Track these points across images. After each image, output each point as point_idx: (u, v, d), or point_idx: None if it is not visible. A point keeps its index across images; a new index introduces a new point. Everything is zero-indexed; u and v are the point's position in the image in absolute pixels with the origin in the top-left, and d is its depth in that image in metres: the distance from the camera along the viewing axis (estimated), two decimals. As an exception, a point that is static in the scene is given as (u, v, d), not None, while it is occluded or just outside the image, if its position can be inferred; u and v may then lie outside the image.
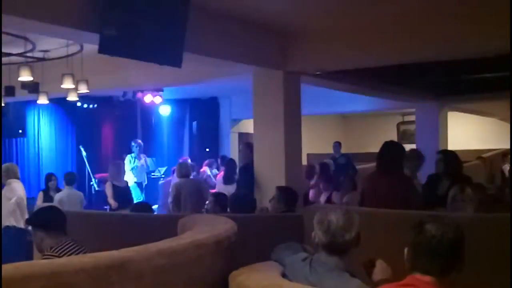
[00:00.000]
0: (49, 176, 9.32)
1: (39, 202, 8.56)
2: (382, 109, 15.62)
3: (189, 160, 11.72)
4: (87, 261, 2.52)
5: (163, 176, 13.11)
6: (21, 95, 9.54)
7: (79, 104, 12.71)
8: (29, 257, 5.67)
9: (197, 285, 3.06)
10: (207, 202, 8.27)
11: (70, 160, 14.01)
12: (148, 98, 12.64)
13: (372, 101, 13.39)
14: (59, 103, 12.64)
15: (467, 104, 14.73)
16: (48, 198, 8.82)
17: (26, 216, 7.30)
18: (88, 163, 12.77)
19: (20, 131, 12.79)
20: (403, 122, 19.18)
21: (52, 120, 13.80)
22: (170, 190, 8.95)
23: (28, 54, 8.71)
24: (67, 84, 8.85)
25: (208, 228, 3.45)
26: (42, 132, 13.59)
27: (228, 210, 6.35)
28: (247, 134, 14.23)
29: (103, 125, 14.62)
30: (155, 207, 9.33)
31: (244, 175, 8.53)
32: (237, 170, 9.36)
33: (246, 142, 9.70)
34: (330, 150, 13.31)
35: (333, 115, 18.82)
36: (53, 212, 4.16)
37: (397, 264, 2.69)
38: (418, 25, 7.03)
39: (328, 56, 7.85)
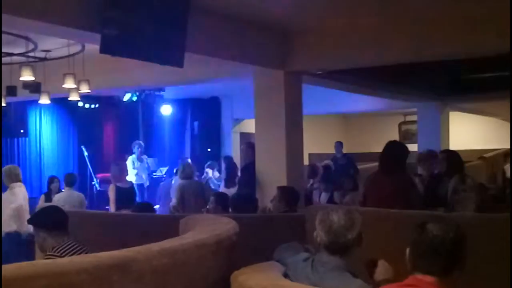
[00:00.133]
0: (52, 179, 9.29)
1: (41, 204, 8.54)
2: (384, 109, 15.62)
3: (189, 160, 11.71)
4: (89, 261, 2.53)
5: (164, 176, 13.10)
6: (23, 95, 9.54)
7: (80, 104, 12.70)
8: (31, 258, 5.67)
9: (199, 285, 3.06)
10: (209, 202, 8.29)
11: (71, 160, 14.02)
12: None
13: (374, 101, 13.39)
14: (61, 103, 12.63)
15: (469, 104, 14.73)
16: (49, 200, 8.81)
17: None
18: (89, 163, 12.77)
19: (22, 131, 12.79)
20: (405, 122, 19.17)
21: (53, 120, 13.80)
22: (172, 191, 8.94)
23: (30, 54, 8.71)
24: (69, 84, 8.85)
25: (210, 228, 3.46)
26: (44, 132, 13.59)
27: (230, 210, 6.35)
28: (249, 134, 14.21)
29: (105, 125, 14.63)
30: (157, 207, 9.31)
31: (245, 175, 8.53)
32: (238, 172, 9.34)
33: (247, 142, 9.69)
34: (331, 149, 13.30)
35: (334, 115, 18.80)
36: (55, 212, 4.16)
37: (399, 264, 2.69)
38: (419, 24, 7.03)
39: (330, 56, 7.85)
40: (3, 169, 7.83)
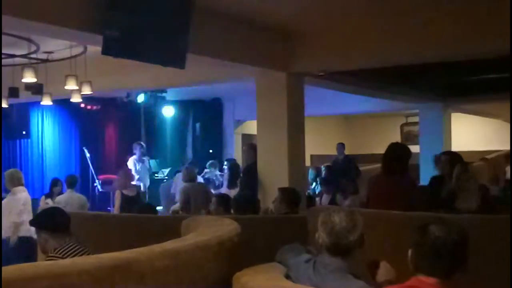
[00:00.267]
0: (55, 182, 9.25)
1: (42, 206, 8.54)
2: (386, 110, 15.61)
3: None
4: (91, 262, 2.53)
5: (166, 177, 13.11)
6: (25, 97, 9.55)
7: (82, 105, 12.73)
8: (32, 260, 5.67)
9: (201, 286, 3.07)
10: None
11: (73, 161, 14.03)
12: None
13: (376, 102, 13.37)
14: (63, 104, 12.65)
15: (471, 105, 14.71)
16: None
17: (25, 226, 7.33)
18: (91, 164, 12.78)
19: (24, 132, 12.79)
20: (407, 123, 19.16)
21: (55, 122, 13.81)
22: (177, 194, 8.95)
23: (32, 56, 8.72)
24: (71, 85, 8.86)
25: (212, 229, 3.46)
26: (46, 134, 13.61)
27: (232, 211, 6.35)
28: (251, 135, 14.22)
29: (107, 126, 14.64)
30: (159, 208, 9.31)
31: (247, 176, 8.53)
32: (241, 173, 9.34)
33: (249, 143, 9.70)
34: (333, 151, 13.31)
35: (336, 116, 18.80)
36: (57, 214, 4.16)
37: (401, 265, 2.68)
38: (421, 26, 7.03)
39: (332, 57, 7.85)
40: (5, 173, 7.81)
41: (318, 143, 16.27)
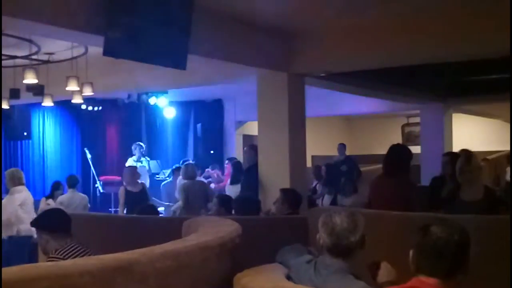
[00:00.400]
0: (57, 185, 9.24)
1: (42, 207, 8.55)
2: (387, 111, 15.59)
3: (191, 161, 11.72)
4: (92, 263, 2.53)
5: (167, 178, 13.11)
6: (26, 98, 9.56)
7: (84, 106, 12.74)
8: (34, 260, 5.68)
9: (202, 287, 3.07)
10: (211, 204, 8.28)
11: (75, 162, 14.04)
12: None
13: (377, 103, 13.37)
14: (64, 105, 12.68)
15: (472, 105, 14.70)
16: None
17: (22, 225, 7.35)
18: (92, 165, 12.79)
19: (25, 133, 12.78)
20: (408, 124, 19.15)
21: (57, 123, 13.83)
22: (177, 192, 8.94)
23: (33, 57, 8.73)
24: (72, 86, 8.87)
25: (213, 230, 3.46)
26: (47, 135, 13.62)
27: (233, 212, 6.35)
28: (252, 136, 14.22)
29: (108, 128, 14.65)
30: (161, 209, 9.30)
31: (248, 177, 8.53)
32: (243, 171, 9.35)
33: (250, 144, 9.70)
34: (334, 152, 13.30)
35: (337, 117, 18.80)
36: (58, 215, 4.17)
37: (402, 266, 2.68)
38: (422, 26, 7.03)
39: (333, 58, 7.85)
40: (6, 172, 7.84)
41: (319, 144, 16.27)
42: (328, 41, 7.78)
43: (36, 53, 8.54)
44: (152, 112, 14.25)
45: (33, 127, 13.22)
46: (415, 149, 9.58)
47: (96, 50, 6.78)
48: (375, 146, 17.37)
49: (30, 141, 13.20)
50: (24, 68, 8.61)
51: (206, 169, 11.99)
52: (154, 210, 6.86)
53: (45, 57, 9.04)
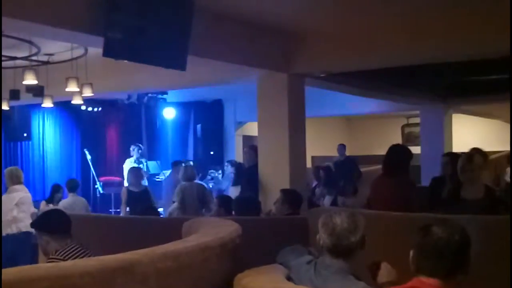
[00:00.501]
0: (57, 188, 9.18)
1: (43, 209, 8.53)
2: (387, 111, 15.61)
3: (191, 163, 11.73)
4: (92, 264, 2.53)
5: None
6: (26, 99, 9.56)
7: (83, 107, 12.75)
8: (34, 261, 5.68)
9: (203, 287, 3.07)
10: (212, 205, 8.27)
11: (74, 163, 14.04)
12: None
13: (377, 103, 13.38)
14: (64, 106, 12.68)
15: (472, 106, 14.70)
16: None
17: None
18: (92, 166, 12.79)
19: (25, 134, 12.80)
20: (408, 125, 19.15)
21: (56, 124, 13.82)
22: (175, 192, 8.94)
23: (33, 58, 8.73)
24: (72, 87, 8.87)
25: (213, 231, 3.46)
26: (47, 136, 13.62)
27: (233, 212, 6.35)
28: (252, 136, 14.22)
29: (108, 128, 14.65)
30: (161, 209, 9.30)
31: (248, 177, 8.53)
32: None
33: (250, 145, 9.71)
34: (334, 152, 13.30)
35: (337, 117, 18.81)
36: (58, 216, 4.16)
37: (402, 266, 2.68)
38: (422, 26, 7.03)
39: (333, 58, 7.85)
40: (6, 170, 7.87)
41: (319, 144, 16.27)
42: (328, 41, 7.77)
43: (36, 54, 8.54)
44: (152, 113, 14.24)
45: (33, 128, 13.22)
46: (415, 150, 9.57)
47: (96, 51, 6.77)
48: (375, 146, 17.36)
49: (30, 142, 13.20)
50: (24, 69, 8.61)
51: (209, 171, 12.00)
52: (155, 212, 6.86)
53: (45, 58, 9.04)
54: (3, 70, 8.29)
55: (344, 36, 7.62)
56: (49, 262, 3.70)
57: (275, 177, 7.93)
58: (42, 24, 5.25)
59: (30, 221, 7.32)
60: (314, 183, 10.92)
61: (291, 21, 7.41)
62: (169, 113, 14.29)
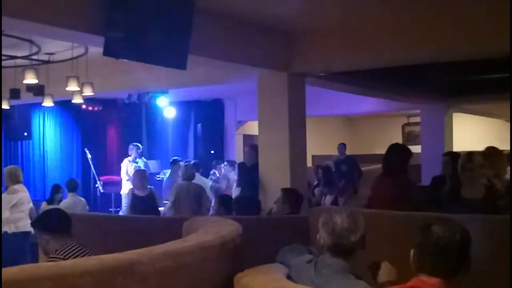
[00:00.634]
0: (57, 188, 9.18)
1: (43, 209, 8.53)
2: (387, 110, 15.61)
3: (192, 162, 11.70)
4: (93, 263, 2.53)
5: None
6: (26, 98, 9.56)
7: (84, 106, 12.73)
8: (34, 260, 5.68)
9: (203, 287, 3.06)
10: (212, 205, 8.28)
11: (75, 162, 14.04)
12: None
13: (377, 103, 13.38)
14: (64, 105, 12.67)
15: (472, 105, 14.70)
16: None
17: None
18: (93, 165, 12.78)
19: (25, 133, 12.80)
20: (408, 124, 19.15)
21: (57, 123, 13.82)
22: (169, 192, 8.93)
23: (33, 57, 8.73)
24: (72, 86, 8.87)
25: (213, 230, 3.46)
26: (47, 135, 13.62)
27: (233, 212, 6.35)
28: (252, 136, 14.22)
29: (108, 128, 14.64)
30: (161, 209, 9.28)
31: (249, 177, 8.52)
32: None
33: (251, 144, 9.70)
34: (335, 151, 13.29)
35: (338, 117, 18.81)
36: (58, 215, 4.16)
37: (403, 266, 2.68)
38: (422, 26, 7.03)
39: (333, 58, 7.85)
40: (5, 169, 7.88)
41: (320, 144, 16.27)
42: (328, 41, 7.77)
43: (36, 53, 8.54)
44: (153, 112, 14.23)
45: (33, 127, 13.23)
46: (416, 149, 9.59)
47: (96, 50, 6.78)
48: (375, 145, 17.36)
49: (30, 141, 13.20)
50: (24, 68, 8.62)
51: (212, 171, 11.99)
52: (155, 210, 6.84)
53: (45, 57, 9.05)
54: (3, 69, 8.30)
55: (344, 35, 7.62)
56: (49, 261, 3.70)
57: (275, 176, 7.93)
58: (42, 24, 5.25)
59: (29, 220, 7.36)
60: (315, 182, 10.91)
61: (291, 20, 7.41)
62: (169, 112, 14.28)
